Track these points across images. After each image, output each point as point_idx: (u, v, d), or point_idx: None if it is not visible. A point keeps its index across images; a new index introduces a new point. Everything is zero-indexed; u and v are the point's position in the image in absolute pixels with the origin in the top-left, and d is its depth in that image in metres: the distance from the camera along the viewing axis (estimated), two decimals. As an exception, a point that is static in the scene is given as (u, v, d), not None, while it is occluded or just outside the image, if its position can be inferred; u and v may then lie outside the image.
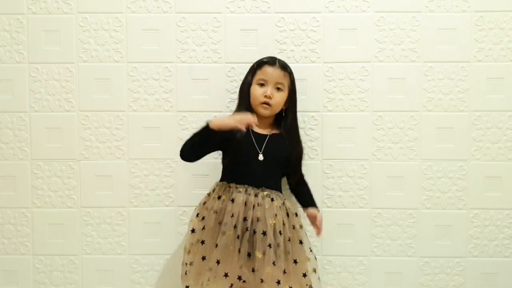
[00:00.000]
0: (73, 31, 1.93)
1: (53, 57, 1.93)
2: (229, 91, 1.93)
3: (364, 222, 1.95)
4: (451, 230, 1.95)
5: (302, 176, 1.85)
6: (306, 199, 1.83)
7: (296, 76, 1.79)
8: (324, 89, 1.93)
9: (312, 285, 1.70)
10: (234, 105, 1.91)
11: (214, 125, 1.60)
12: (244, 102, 1.76)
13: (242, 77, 1.83)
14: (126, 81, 1.94)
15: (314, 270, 1.72)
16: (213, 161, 1.93)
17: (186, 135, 1.92)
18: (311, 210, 1.77)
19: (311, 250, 1.73)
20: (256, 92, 1.72)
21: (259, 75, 1.73)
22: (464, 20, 1.91)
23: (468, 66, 1.92)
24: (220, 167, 1.92)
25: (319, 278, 1.75)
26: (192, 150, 1.70)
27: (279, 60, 1.76)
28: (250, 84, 1.75)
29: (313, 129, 1.92)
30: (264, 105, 1.71)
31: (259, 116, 1.73)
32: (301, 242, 1.70)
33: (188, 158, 1.72)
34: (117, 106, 1.94)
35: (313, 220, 1.76)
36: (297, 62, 1.91)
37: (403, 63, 1.92)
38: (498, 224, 1.95)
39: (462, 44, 1.91)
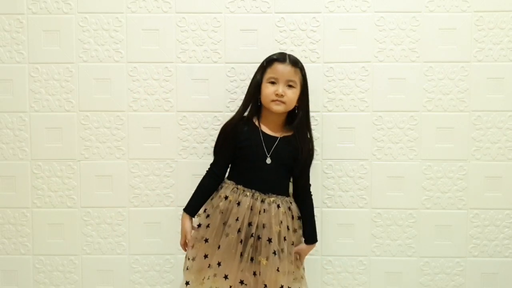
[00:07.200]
0: (73, 31, 1.93)
1: (53, 57, 1.93)
2: (229, 91, 1.93)
3: (364, 222, 1.95)
4: (451, 230, 1.95)
5: (308, 186, 1.76)
6: (304, 227, 1.75)
7: (296, 76, 1.79)
8: (324, 89, 1.93)
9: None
10: (234, 105, 1.91)
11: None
12: (252, 100, 1.71)
13: (242, 77, 1.82)
14: (126, 81, 1.93)
15: (302, 277, 1.73)
16: (213, 161, 1.93)
17: (186, 135, 1.94)
18: (300, 247, 1.73)
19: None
20: (267, 90, 1.66)
21: (269, 73, 1.67)
22: (464, 20, 1.91)
23: (468, 66, 1.92)
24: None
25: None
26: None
27: (290, 56, 1.69)
28: (259, 83, 1.69)
29: (313, 129, 1.90)
30: (277, 102, 1.66)
31: (272, 114, 1.69)
32: (293, 244, 1.69)
33: None
34: (117, 106, 1.94)
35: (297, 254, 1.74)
36: (297, 62, 1.91)
37: (403, 63, 1.92)
38: (498, 224, 1.95)
39: (462, 44, 1.91)
